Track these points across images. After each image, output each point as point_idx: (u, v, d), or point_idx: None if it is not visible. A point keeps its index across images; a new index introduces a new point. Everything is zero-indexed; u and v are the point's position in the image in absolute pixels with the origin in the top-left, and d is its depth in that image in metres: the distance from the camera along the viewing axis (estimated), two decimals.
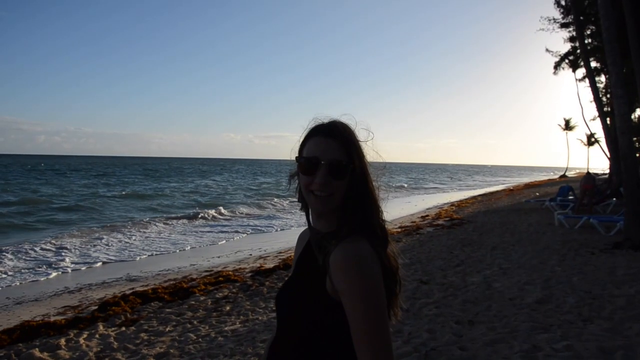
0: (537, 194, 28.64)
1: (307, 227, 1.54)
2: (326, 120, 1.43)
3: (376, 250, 1.29)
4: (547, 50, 34.28)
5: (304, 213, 1.52)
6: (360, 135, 1.45)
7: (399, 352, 4.73)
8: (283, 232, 17.98)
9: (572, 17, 25.22)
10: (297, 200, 1.51)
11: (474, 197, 31.88)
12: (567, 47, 34.05)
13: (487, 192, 38.52)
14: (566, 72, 35.32)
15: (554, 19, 30.11)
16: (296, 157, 1.43)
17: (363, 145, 1.43)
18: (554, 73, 35.04)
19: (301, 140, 1.45)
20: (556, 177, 70.66)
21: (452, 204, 26.53)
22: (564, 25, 29.83)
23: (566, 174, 70.51)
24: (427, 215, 20.34)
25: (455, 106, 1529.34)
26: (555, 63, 34.57)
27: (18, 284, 10.01)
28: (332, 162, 1.35)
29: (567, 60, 33.92)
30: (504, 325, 5.39)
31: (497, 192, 38.41)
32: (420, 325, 5.58)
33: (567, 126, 73.50)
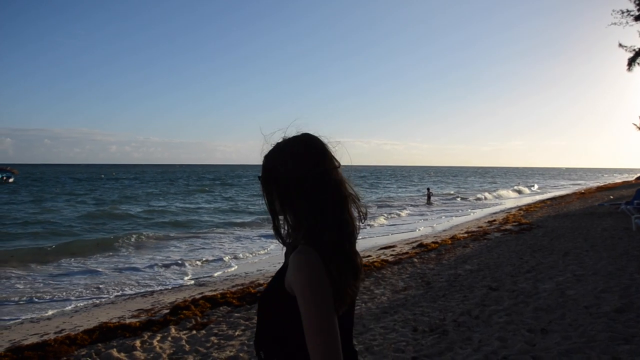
0: (612, 197, 27.11)
1: None
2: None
3: (322, 256, 1.43)
4: (620, 45, 32.65)
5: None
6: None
7: None
8: None
9: None
10: None
11: (543, 201, 30.69)
12: None
13: (556, 196, 37.01)
14: None
15: (627, 10, 28.63)
16: None
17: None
18: (628, 70, 33.27)
19: None
20: (632, 179, 66.92)
21: (519, 208, 25.65)
22: (638, 18, 28.32)
23: None
24: (494, 220, 19.78)
25: (524, 109, 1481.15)
26: (630, 59, 32.83)
27: (112, 296, 10.54)
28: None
29: None
30: (580, 335, 5.16)
31: (567, 195, 36.83)
32: (490, 332, 5.44)
33: None
